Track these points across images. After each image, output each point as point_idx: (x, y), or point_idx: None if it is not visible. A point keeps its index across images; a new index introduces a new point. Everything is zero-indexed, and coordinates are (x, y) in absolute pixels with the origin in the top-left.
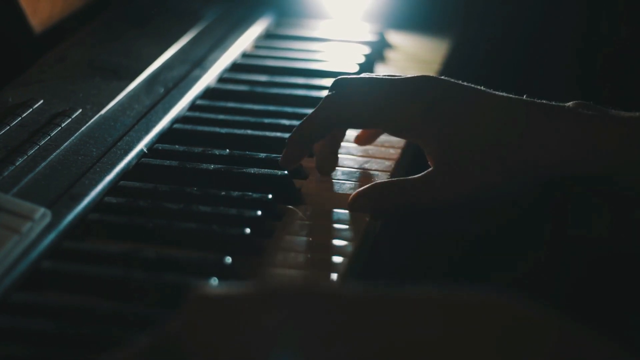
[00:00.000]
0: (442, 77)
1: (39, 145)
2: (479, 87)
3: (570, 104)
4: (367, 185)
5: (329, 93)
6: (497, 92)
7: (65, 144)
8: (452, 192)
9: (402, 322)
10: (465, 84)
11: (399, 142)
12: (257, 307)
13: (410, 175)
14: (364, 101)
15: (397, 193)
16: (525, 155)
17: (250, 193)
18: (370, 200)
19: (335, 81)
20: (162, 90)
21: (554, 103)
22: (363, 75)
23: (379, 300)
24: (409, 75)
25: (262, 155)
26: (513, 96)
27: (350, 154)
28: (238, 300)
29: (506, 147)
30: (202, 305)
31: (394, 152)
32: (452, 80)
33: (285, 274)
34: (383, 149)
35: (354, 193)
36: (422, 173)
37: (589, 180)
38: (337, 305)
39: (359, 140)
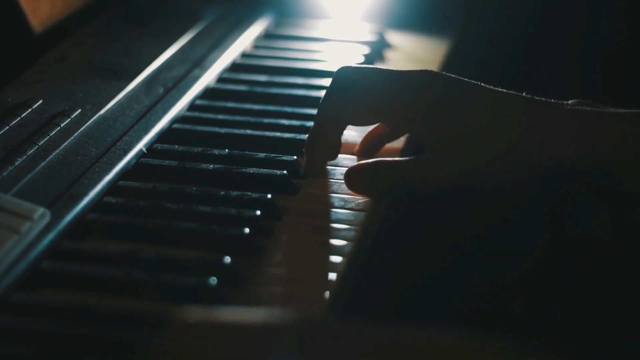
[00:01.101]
0: (443, 72)
1: (38, 145)
2: (479, 83)
3: (569, 102)
4: (367, 161)
5: (331, 86)
6: (496, 89)
7: (65, 144)
8: (445, 172)
9: None
10: (466, 80)
11: (398, 142)
12: (244, 338)
13: None
14: (365, 97)
15: (393, 171)
16: (523, 150)
17: (249, 193)
18: (368, 176)
19: (337, 73)
20: (161, 90)
21: (552, 100)
22: (365, 66)
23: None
24: (410, 70)
25: (262, 155)
26: (512, 92)
27: (351, 154)
28: (222, 330)
29: (505, 141)
30: (185, 332)
31: (394, 152)
32: (454, 76)
33: (268, 308)
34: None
35: (351, 166)
36: (419, 155)
37: (586, 175)
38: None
39: (361, 150)
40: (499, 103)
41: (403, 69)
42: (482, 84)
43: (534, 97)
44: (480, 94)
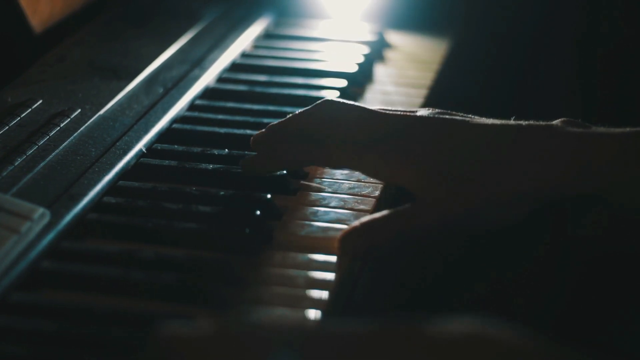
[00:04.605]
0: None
1: (37, 145)
2: (465, 118)
3: (557, 121)
4: (356, 223)
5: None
6: (481, 120)
7: (64, 144)
8: (438, 214)
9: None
10: (451, 118)
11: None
12: (230, 351)
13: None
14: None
15: (386, 223)
16: (512, 181)
17: (249, 193)
18: (361, 236)
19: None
20: (161, 90)
21: (540, 122)
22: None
23: (360, 339)
24: (394, 113)
25: None
26: (494, 122)
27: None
28: (209, 343)
29: (491, 174)
30: (170, 346)
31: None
32: (438, 116)
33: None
34: None
35: (341, 234)
36: (408, 203)
37: (581, 201)
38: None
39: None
40: (487, 132)
41: (386, 111)
42: (470, 116)
43: (521, 122)
44: (468, 127)
